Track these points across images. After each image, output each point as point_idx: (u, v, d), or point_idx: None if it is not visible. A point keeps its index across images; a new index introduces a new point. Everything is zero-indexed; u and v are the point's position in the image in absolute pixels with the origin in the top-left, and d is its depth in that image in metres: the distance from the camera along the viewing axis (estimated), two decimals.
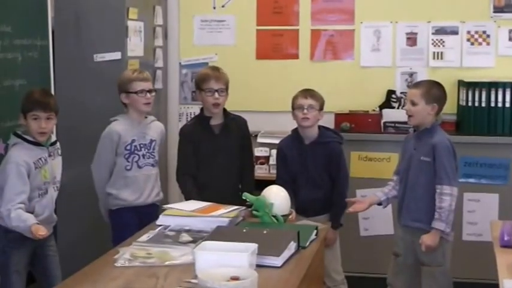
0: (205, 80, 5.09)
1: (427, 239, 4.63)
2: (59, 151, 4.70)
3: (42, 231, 4.13)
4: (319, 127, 5.18)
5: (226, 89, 5.11)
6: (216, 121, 5.13)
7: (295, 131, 5.21)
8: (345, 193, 5.17)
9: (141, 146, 4.99)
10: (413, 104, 4.71)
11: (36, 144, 4.47)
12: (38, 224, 4.20)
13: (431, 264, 4.73)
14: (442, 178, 4.60)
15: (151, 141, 5.06)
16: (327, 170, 5.12)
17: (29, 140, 4.46)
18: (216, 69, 5.23)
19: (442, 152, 4.64)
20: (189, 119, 6.65)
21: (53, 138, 4.69)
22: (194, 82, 5.26)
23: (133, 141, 4.96)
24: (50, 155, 4.56)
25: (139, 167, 4.97)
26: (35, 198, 4.43)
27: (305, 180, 5.13)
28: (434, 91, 4.76)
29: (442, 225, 4.59)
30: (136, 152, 4.96)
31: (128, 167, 4.94)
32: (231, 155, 5.12)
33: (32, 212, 4.35)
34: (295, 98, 5.12)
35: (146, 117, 5.09)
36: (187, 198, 4.91)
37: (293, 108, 5.12)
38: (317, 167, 5.11)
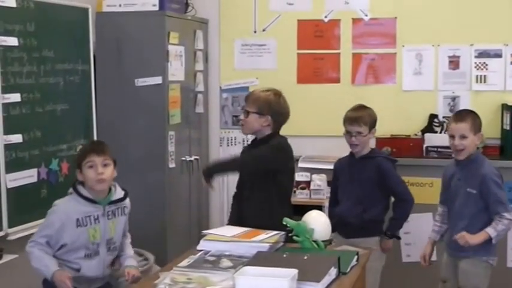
0: None
1: (468, 235, 4.60)
2: (126, 210, 4.38)
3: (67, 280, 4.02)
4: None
5: (256, 112, 4.81)
6: None
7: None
8: (408, 206, 5.17)
9: None
10: (463, 137, 4.69)
11: (91, 201, 4.21)
12: (61, 270, 4.09)
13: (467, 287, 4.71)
14: (497, 207, 4.59)
15: None
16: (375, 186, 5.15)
17: (82, 195, 4.21)
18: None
19: (490, 182, 4.63)
20: (230, 144, 6.69)
21: (118, 194, 4.33)
22: None
23: None
24: (106, 214, 4.26)
25: None
26: (80, 257, 4.21)
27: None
28: (478, 121, 4.77)
29: (493, 232, 4.57)
30: None
31: None
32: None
33: (78, 270, 4.20)
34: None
35: None
36: None
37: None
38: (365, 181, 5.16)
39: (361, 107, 5.23)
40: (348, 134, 5.13)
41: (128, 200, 4.39)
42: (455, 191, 4.76)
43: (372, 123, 5.16)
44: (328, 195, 5.56)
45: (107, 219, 4.25)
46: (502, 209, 4.58)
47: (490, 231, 4.57)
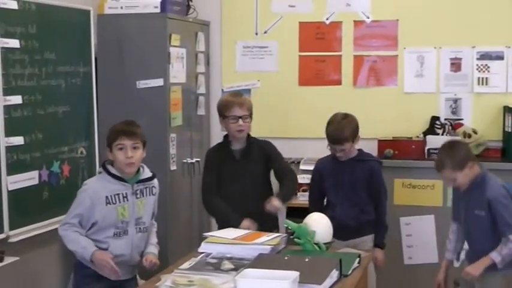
0: (227, 107, 5.01)
1: (471, 269, 4.56)
2: (154, 190, 4.50)
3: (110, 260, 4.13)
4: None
5: (250, 115, 5.03)
6: (238, 146, 5.07)
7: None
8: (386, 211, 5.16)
9: None
10: (453, 180, 4.62)
11: (119, 179, 4.32)
12: (101, 250, 4.19)
13: None
14: (505, 231, 4.51)
15: None
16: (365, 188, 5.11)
17: (111, 173, 4.32)
18: (238, 95, 5.18)
19: (497, 205, 4.52)
20: None
21: (146, 173, 4.47)
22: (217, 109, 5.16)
23: None
24: (135, 193, 4.37)
25: None
26: (109, 236, 4.28)
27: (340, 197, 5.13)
28: (459, 155, 4.60)
29: (497, 257, 4.49)
30: None
31: None
32: (252, 181, 5.03)
33: (105, 250, 4.25)
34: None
35: None
36: (219, 214, 4.99)
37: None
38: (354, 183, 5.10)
39: (341, 121, 5.06)
40: (332, 149, 5.08)
41: (156, 181, 4.52)
42: (465, 212, 4.68)
43: (354, 134, 5.04)
44: None
45: (135, 198, 4.36)
46: (509, 232, 4.49)
47: (494, 256, 4.50)
